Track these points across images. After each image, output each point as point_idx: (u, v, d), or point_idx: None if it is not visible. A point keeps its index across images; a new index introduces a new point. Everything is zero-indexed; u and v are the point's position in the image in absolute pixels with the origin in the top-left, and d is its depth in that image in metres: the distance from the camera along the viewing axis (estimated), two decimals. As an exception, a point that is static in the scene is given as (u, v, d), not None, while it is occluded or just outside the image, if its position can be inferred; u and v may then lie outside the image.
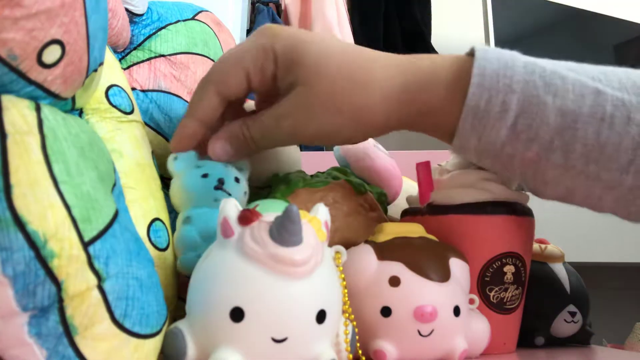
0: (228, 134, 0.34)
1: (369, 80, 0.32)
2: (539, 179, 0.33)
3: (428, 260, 0.33)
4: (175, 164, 0.35)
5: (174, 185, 0.35)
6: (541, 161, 0.31)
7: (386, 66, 0.32)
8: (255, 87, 0.34)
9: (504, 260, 0.38)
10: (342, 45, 0.33)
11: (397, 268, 0.33)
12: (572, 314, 0.47)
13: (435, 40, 1.51)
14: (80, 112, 0.31)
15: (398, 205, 0.49)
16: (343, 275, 0.29)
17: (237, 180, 0.35)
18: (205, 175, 0.34)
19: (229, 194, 0.34)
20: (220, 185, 0.34)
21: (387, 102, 0.32)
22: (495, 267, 0.38)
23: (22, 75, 0.22)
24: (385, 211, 0.46)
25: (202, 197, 0.34)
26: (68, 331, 0.21)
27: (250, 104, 0.44)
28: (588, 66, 0.32)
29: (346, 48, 0.33)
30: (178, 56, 0.47)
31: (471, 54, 0.32)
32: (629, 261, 1.46)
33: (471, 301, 0.35)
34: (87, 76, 0.26)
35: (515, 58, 0.31)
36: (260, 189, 0.43)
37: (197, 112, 0.33)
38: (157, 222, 0.33)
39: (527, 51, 0.32)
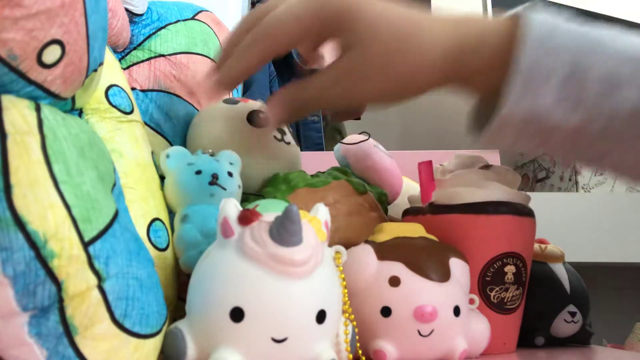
0: (284, 98, 0.36)
1: (421, 42, 0.33)
2: (576, 151, 0.33)
3: (428, 260, 0.33)
4: (168, 162, 0.36)
5: (168, 184, 0.35)
6: (582, 131, 0.31)
7: (437, 28, 0.33)
8: (305, 46, 0.37)
9: (504, 260, 0.38)
10: (393, 6, 0.34)
11: (397, 268, 0.33)
12: (572, 314, 0.47)
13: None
14: (80, 112, 0.31)
15: (398, 205, 0.49)
16: (343, 275, 0.29)
17: (230, 174, 0.36)
18: (198, 172, 0.35)
19: (224, 189, 0.35)
20: (214, 180, 0.35)
21: (438, 63, 0.33)
22: (496, 267, 0.38)
23: (22, 75, 0.22)
24: (386, 211, 0.46)
25: (197, 194, 0.34)
26: (68, 331, 0.21)
27: (248, 104, 0.44)
28: (629, 34, 0.33)
29: (398, 10, 0.34)
30: (178, 56, 0.47)
31: (518, 16, 0.33)
32: (629, 261, 1.46)
33: (471, 301, 0.35)
34: (87, 76, 0.26)
35: (560, 23, 0.32)
36: (247, 194, 0.43)
37: (242, 63, 0.35)
38: (157, 222, 0.33)
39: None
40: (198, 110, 0.48)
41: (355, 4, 0.33)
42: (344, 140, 0.49)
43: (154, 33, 0.46)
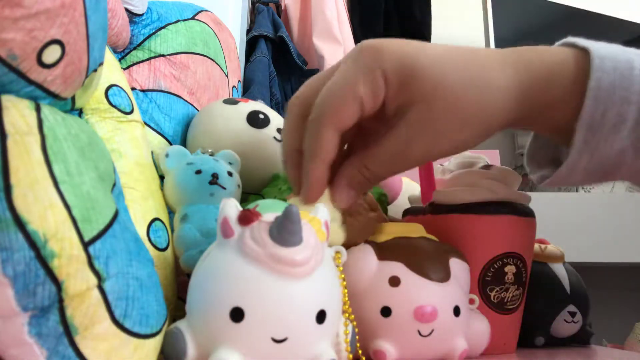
0: (349, 179, 0.31)
1: (489, 83, 0.30)
2: None
3: (428, 260, 0.33)
4: (168, 162, 0.36)
5: (168, 184, 0.35)
6: None
7: (500, 65, 0.31)
8: (368, 114, 0.30)
9: (505, 260, 0.38)
10: (450, 50, 0.31)
11: (397, 268, 0.33)
12: (572, 314, 0.47)
13: (435, 40, 1.51)
14: (80, 112, 0.31)
15: (398, 205, 0.49)
16: (343, 275, 0.29)
17: (229, 174, 0.36)
18: (198, 172, 0.35)
19: (224, 188, 0.35)
20: (214, 179, 0.35)
21: (508, 102, 0.30)
22: (496, 267, 0.38)
23: (22, 75, 0.22)
24: (385, 211, 0.46)
25: (197, 193, 0.34)
26: (68, 331, 0.21)
27: (248, 104, 0.44)
28: None
29: (455, 53, 0.31)
30: (178, 56, 0.47)
31: (582, 48, 0.31)
32: (629, 261, 1.46)
33: (471, 301, 0.35)
34: (86, 76, 0.26)
35: (633, 66, 0.30)
36: (248, 194, 0.43)
37: (321, 154, 0.30)
38: (157, 222, 0.33)
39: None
40: (198, 110, 0.48)
41: (411, 54, 0.29)
42: (344, 140, 0.49)
43: (154, 33, 0.46)
